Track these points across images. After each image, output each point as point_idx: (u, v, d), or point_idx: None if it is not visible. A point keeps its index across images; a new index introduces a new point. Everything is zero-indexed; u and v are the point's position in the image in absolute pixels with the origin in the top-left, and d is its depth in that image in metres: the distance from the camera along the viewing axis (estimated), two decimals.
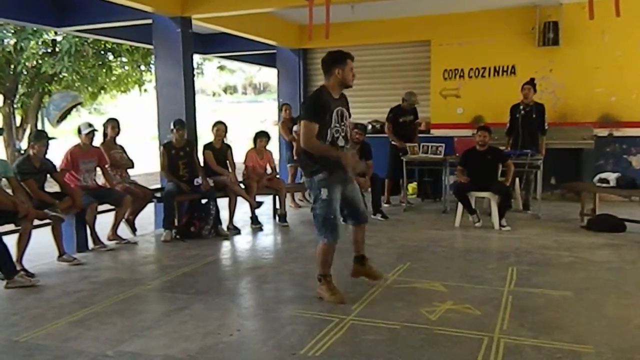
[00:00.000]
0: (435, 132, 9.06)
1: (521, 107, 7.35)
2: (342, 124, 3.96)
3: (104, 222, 6.03)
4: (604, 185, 6.38)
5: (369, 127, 9.07)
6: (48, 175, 5.38)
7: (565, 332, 3.34)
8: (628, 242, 5.64)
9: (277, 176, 7.43)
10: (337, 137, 3.92)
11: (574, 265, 4.87)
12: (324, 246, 3.97)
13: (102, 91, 13.91)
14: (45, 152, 5.27)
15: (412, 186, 8.74)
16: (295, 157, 8.27)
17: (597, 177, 6.56)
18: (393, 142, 8.09)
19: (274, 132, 10.05)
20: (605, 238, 5.83)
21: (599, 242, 5.70)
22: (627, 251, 5.32)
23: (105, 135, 6.39)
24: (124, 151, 6.49)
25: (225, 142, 6.91)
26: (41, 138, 5.26)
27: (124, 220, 6.15)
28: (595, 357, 2.99)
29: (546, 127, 7.33)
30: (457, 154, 7.25)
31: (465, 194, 6.59)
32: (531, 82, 7.38)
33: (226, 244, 6.09)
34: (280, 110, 8.67)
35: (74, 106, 6.63)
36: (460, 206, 6.64)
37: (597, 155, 8.27)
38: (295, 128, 8.19)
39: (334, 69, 3.90)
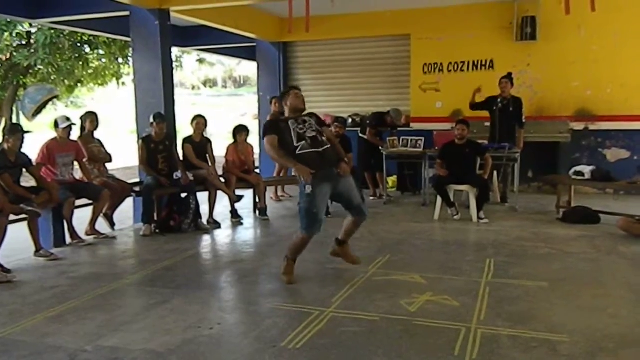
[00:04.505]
0: (414, 126, 9.11)
1: (498, 100, 7.43)
2: (303, 126, 4.17)
3: (81, 216, 5.96)
4: (580, 178, 6.49)
5: (349, 120, 9.08)
6: (24, 170, 5.30)
7: (541, 322, 3.41)
8: (602, 234, 5.75)
9: (257, 171, 7.39)
10: (304, 132, 4.13)
11: (550, 257, 4.96)
12: (302, 237, 4.17)
13: (79, 84, 13.67)
14: (21, 146, 5.17)
15: (392, 179, 8.79)
16: None
17: (572, 170, 6.66)
18: (372, 141, 8.10)
19: (254, 125, 10.02)
20: (580, 230, 5.94)
21: (574, 233, 5.80)
22: (601, 242, 5.42)
23: (83, 129, 6.30)
24: (102, 145, 6.41)
25: (205, 135, 6.87)
26: (16, 132, 5.16)
27: (102, 214, 6.10)
28: (570, 346, 3.05)
29: (524, 121, 7.43)
30: (437, 148, 7.30)
31: (444, 187, 6.65)
32: (509, 76, 7.46)
33: (206, 238, 6.06)
34: (270, 103, 8.59)
35: (50, 99, 6.52)
36: (439, 199, 6.70)
37: (573, 149, 8.40)
38: None
39: (283, 103, 4.41)
